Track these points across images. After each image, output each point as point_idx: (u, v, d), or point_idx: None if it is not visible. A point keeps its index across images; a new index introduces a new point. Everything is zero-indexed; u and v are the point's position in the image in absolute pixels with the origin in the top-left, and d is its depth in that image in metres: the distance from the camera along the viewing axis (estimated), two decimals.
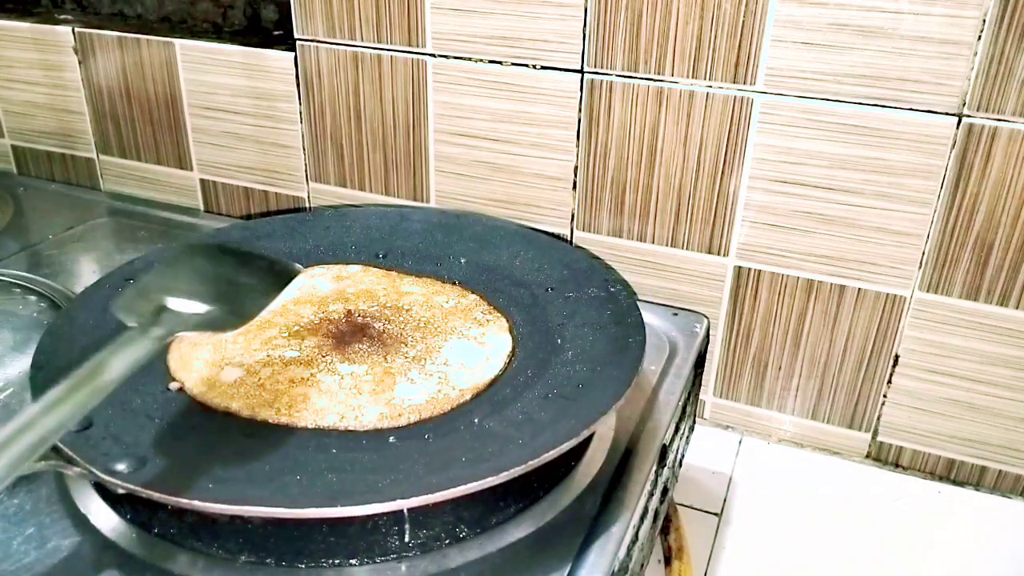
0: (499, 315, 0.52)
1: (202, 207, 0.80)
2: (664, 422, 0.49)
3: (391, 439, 0.41)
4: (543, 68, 0.61)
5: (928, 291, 0.58)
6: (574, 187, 0.65)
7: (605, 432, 0.48)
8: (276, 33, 0.76)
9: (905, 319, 0.59)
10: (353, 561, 0.38)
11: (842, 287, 0.60)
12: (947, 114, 0.53)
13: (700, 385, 0.60)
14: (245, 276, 0.41)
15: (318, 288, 0.54)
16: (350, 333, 0.49)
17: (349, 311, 0.51)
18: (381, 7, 0.64)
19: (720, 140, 0.59)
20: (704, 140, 0.59)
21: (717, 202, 0.61)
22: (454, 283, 0.55)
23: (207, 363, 0.46)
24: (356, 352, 0.47)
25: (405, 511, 0.38)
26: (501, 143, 0.65)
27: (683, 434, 0.55)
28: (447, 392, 0.44)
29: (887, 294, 0.59)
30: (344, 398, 0.44)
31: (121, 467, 0.37)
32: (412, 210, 0.67)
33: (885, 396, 0.62)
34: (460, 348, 0.48)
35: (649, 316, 0.54)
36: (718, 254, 0.62)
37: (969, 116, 0.53)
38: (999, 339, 0.58)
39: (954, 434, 0.62)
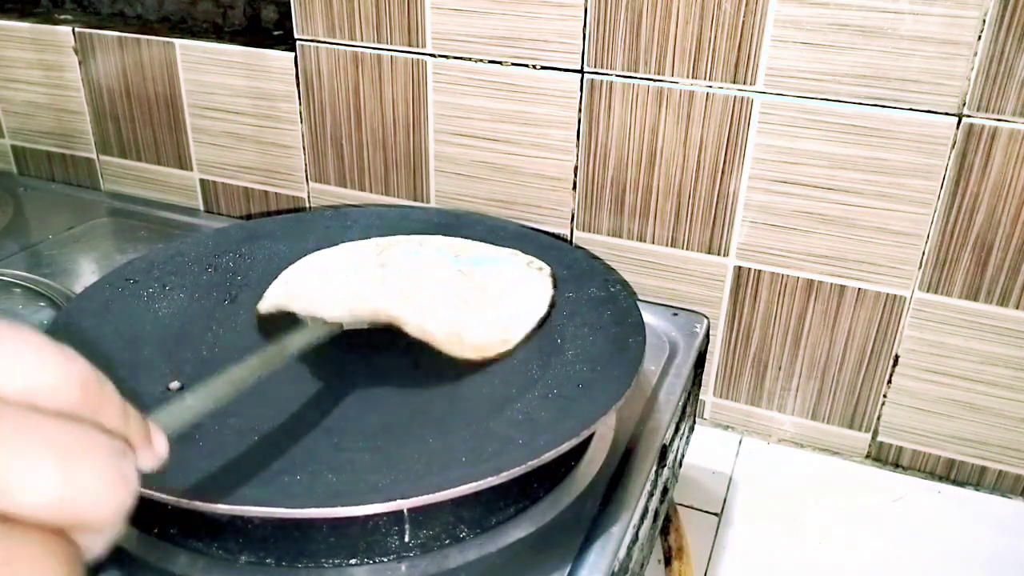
0: (543, 263, 0.55)
1: (202, 207, 0.80)
2: (664, 422, 0.49)
3: (392, 438, 0.41)
4: (543, 68, 0.61)
5: (928, 291, 0.58)
6: (574, 187, 0.65)
7: (605, 432, 0.48)
8: (276, 33, 0.76)
9: (905, 319, 0.59)
10: (353, 561, 0.38)
11: (842, 287, 0.60)
12: (947, 114, 0.53)
13: (700, 385, 0.59)
14: None
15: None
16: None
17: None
18: (381, 7, 0.64)
19: (720, 140, 0.59)
20: (704, 140, 0.59)
21: (717, 202, 0.61)
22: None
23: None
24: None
25: (405, 511, 0.38)
26: (501, 143, 0.65)
27: (683, 434, 0.55)
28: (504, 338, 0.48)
29: (887, 294, 0.59)
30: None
31: None
32: (412, 210, 0.67)
33: (885, 396, 0.62)
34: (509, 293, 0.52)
35: (649, 316, 0.54)
36: (718, 254, 0.62)
37: (969, 116, 0.53)
38: (999, 339, 0.58)
39: (954, 434, 0.62)
